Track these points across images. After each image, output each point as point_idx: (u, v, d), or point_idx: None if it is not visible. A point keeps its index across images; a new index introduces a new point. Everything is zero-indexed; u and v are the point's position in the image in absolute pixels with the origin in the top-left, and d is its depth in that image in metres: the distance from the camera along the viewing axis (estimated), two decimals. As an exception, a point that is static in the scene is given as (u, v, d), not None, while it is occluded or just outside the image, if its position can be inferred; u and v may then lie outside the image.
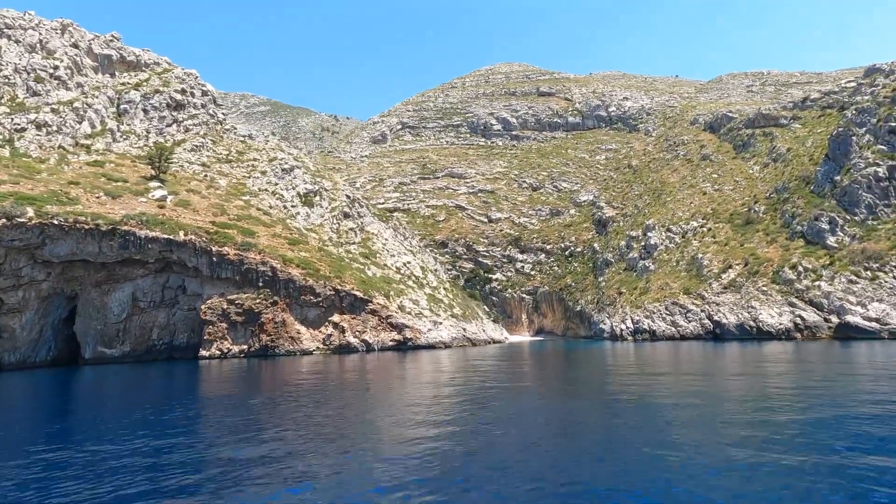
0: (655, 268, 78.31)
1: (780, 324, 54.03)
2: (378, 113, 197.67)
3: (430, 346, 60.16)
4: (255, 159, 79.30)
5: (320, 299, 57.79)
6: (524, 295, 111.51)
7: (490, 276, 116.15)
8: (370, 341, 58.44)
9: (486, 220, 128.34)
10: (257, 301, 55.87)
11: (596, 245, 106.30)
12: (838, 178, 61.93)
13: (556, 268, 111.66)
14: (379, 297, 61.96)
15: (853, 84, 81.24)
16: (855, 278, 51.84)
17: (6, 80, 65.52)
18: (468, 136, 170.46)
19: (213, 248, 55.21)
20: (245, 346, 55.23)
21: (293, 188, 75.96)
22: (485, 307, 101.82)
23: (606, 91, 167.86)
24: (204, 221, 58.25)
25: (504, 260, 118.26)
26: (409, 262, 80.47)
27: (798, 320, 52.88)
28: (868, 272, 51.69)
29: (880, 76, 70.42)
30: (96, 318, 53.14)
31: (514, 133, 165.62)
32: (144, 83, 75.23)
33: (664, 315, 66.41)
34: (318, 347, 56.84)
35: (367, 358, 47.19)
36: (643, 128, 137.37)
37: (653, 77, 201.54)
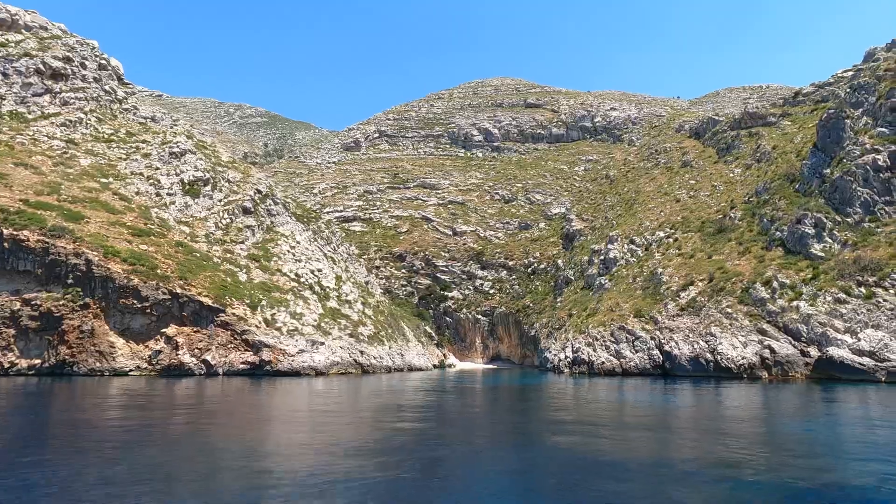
0: (611, 285, 63.91)
1: (743, 357, 39.28)
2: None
3: (295, 373, 46.34)
4: (145, 141, 67.35)
5: (148, 305, 44.55)
6: (479, 316, 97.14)
7: (446, 293, 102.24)
8: (213, 363, 44.83)
9: (450, 232, 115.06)
10: (61, 303, 42.79)
11: (560, 261, 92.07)
12: (828, 171, 47.63)
13: (516, 286, 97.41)
14: (237, 307, 48.58)
15: (851, 72, 67.16)
16: (844, 296, 37.20)
17: None
18: (448, 146, 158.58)
19: (6, 231, 42.60)
20: (38, 361, 42.07)
21: (177, 174, 63.53)
22: (426, 329, 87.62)
23: (595, 103, 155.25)
24: (11, 199, 45.80)
25: (463, 276, 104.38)
26: (318, 270, 67.14)
27: (766, 353, 38.12)
28: (862, 288, 37.05)
29: (880, 50, 56.29)
30: None
31: (495, 144, 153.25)
32: (13, 44, 64.07)
33: (608, 343, 51.84)
34: (137, 367, 43.36)
35: (186, 387, 33.56)
36: (627, 138, 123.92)
37: (652, 96, 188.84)
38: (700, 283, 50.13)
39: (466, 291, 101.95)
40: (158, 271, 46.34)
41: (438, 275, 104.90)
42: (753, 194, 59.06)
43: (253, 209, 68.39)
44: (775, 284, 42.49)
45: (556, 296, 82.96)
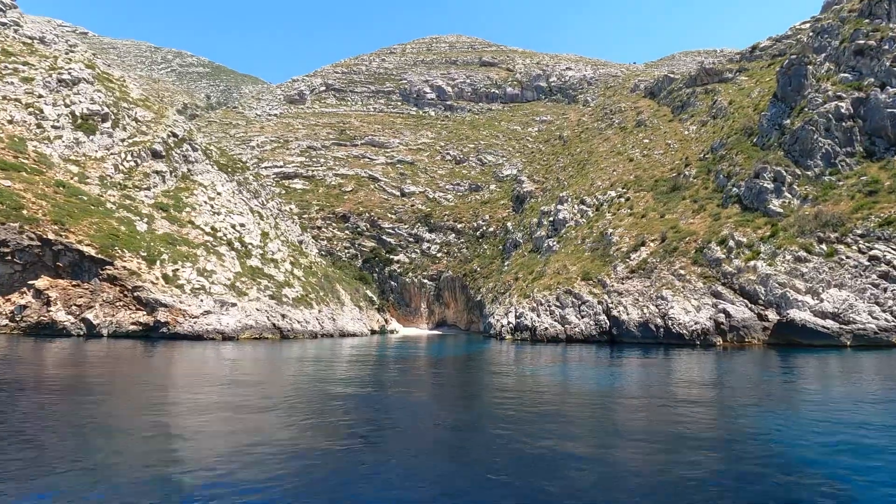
0: (560, 247, 59.68)
1: (696, 323, 35.58)
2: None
3: (197, 337, 39.93)
4: (27, 64, 57.21)
5: (8, 251, 36.88)
6: (426, 280, 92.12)
7: (392, 256, 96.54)
8: (96, 322, 37.86)
9: (398, 193, 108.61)
10: None
11: (509, 224, 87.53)
12: (788, 121, 43.99)
13: (464, 250, 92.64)
14: (130, 260, 41.36)
15: (808, 24, 63.87)
16: (805, 255, 33.75)
17: None
18: (399, 104, 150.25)
19: None
20: None
21: (67, 105, 54.30)
22: (367, 293, 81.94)
23: (551, 63, 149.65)
24: None
25: (410, 239, 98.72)
26: (241, 225, 59.93)
27: (721, 317, 34.49)
28: (823, 245, 33.66)
29: None
30: None
31: (448, 103, 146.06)
32: None
33: (553, 307, 47.62)
34: (-4, 329, 36.03)
35: (60, 348, 26.62)
36: (582, 98, 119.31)
37: (607, 61, 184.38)
38: (652, 244, 46.26)
39: (413, 255, 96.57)
40: (25, 212, 38.46)
41: (384, 237, 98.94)
42: (709, 151, 55.41)
43: (165, 153, 60.04)
44: (731, 243, 38.83)
45: (504, 260, 78.66)
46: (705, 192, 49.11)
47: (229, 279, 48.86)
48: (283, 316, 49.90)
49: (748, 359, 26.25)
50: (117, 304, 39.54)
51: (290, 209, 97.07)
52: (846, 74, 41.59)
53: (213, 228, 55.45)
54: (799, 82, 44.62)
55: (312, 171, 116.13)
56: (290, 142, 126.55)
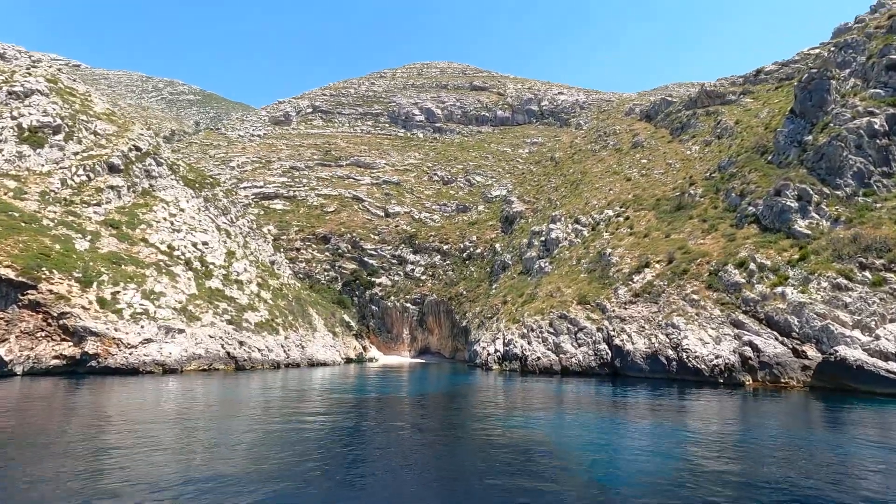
0: (553, 269, 54.34)
1: (717, 356, 30.04)
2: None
3: (133, 370, 33.60)
4: (-26, 73, 51.68)
5: None
6: (408, 304, 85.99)
7: (374, 279, 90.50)
8: (8, 358, 31.28)
9: (382, 213, 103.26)
10: None
11: (497, 245, 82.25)
12: (809, 137, 39.46)
13: (450, 272, 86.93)
14: (59, 283, 35.09)
15: (818, 49, 60.57)
16: (845, 282, 28.58)
17: None
18: (387, 125, 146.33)
19: None
20: None
21: (14, 118, 48.62)
22: (345, 317, 75.67)
23: (542, 88, 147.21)
24: None
25: (393, 261, 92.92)
26: (204, 244, 54.00)
27: (748, 351, 29.00)
28: (867, 272, 28.56)
29: (866, 15, 49.29)
30: None
31: (437, 125, 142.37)
32: None
33: (546, 334, 41.89)
34: None
35: None
36: (575, 122, 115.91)
37: (598, 90, 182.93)
38: (657, 265, 40.99)
39: (396, 277, 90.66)
40: (-72, 225, 32.34)
41: (366, 259, 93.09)
42: (716, 170, 50.81)
43: (124, 167, 54.23)
44: (752, 266, 33.65)
45: (492, 282, 73.10)
46: (715, 211, 44.22)
47: (180, 302, 42.66)
48: (241, 343, 43.60)
49: (805, 410, 20.67)
50: (38, 334, 33.14)
51: (269, 230, 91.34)
52: (878, 90, 37.33)
53: (169, 247, 49.47)
54: (821, 97, 40.30)
55: (294, 191, 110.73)
56: (273, 162, 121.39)
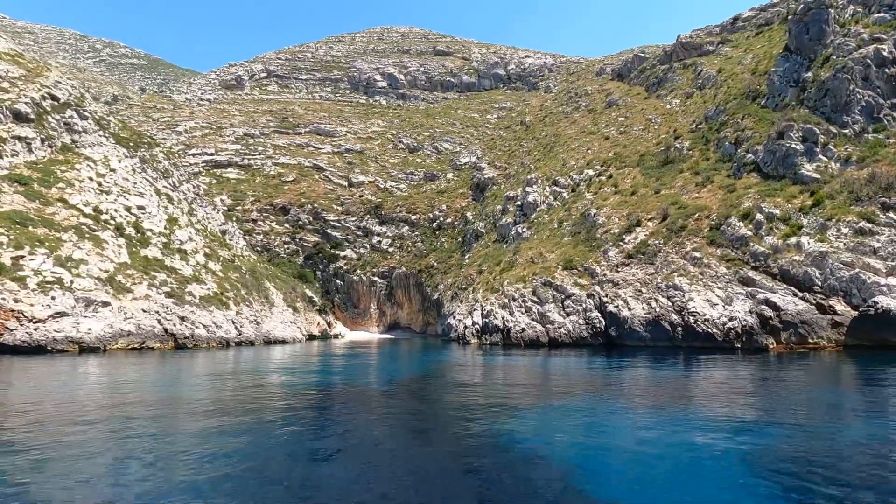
0: (531, 234, 50.19)
1: (731, 318, 26.42)
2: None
3: (38, 348, 27.82)
4: None
5: None
6: (376, 278, 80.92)
7: (338, 252, 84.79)
8: None
9: (345, 183, 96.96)
10: None
11: (469, 214, 77.67)
12: (809, 74, 35.91)
13: (419, 243, 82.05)
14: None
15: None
16: (869, 226, 25.23)
17: None
18: (347, 92, 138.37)
19: None
20: None
21: None
22: (307, 292, 70.15)
23: (509, 52, 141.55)
24: None
25: (359, 233, 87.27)
26: (140, 208, 47.44)
27: (766, 311, 25.46)
28: (891, 213, 25.29)
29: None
30: None
31: (400, 92, 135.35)
32: None
33: (529, 303, 37.78)
34: None
35: None
36: (544, 85, 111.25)
37: (564, 55, 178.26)
38: (650, 223, 37.19)
39: (362, 250, 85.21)
40: None
41: (329, 231, 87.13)
42: (702, 121, 47.19)
43: (35, 117, 46.76)
44: (759, 217, 30.06)
45: (464, 252, 68.68)
46: (707, 163, 40.58)
47: (107, 271, 36.50)
48: (183, 319, 37.90)
49: (861, 373, 16.99)
50: (-86, 306, 26.84)
51: (221, 200, 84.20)
52: (883, 14, 33.87)
53: (96, 209, 42.86)
54: (819, 28, 36.68)
55: (249, 159, 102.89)
56: (224, 128, 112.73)
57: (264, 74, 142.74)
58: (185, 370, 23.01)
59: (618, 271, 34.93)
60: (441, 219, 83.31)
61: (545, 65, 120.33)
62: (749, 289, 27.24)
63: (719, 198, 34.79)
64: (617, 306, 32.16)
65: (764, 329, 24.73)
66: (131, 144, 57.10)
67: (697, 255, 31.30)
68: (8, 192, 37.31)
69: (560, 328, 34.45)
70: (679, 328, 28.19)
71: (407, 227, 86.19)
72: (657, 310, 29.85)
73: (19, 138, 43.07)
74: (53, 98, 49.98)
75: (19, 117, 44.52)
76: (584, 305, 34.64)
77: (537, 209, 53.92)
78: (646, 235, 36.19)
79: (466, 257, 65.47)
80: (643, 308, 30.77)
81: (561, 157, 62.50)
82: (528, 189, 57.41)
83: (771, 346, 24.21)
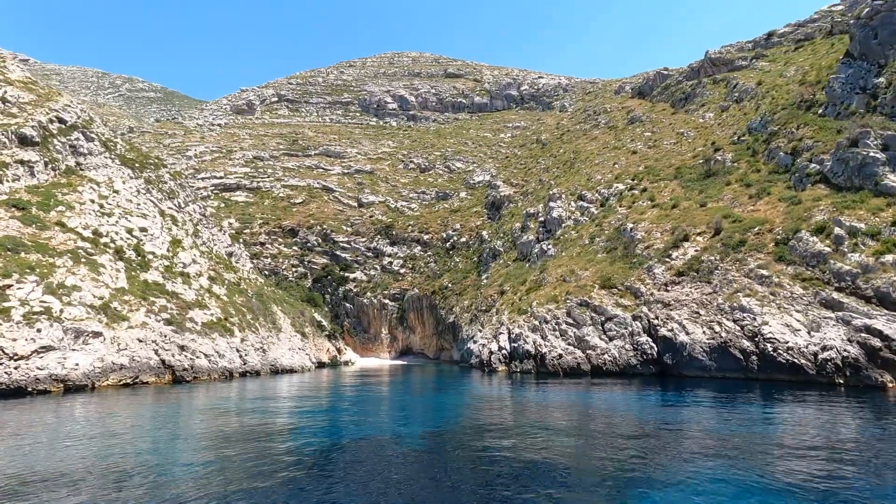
0: (558, 251, 46.26)
1: (824, 347, 22.21)
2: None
3: (18, 390, 23.94)
4: None
5: None
6: (387, 301, 76.93)
7: (347, 274, 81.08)
8: None
9: (355, 204, 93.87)
10: None
11: (485, 233, 73.96)
12: (881, 80, 32.38)
13: (432, 264, 78.21)
14: None
15: (840, 6, 54.27)
16: None
17: None
18: (358, 115, 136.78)
19: None
20: None
21: None
22: (316, 316, 66.17)
23: (521, 74, 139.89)
24: None
25: (369, 254, 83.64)
26: (142, 230, 44.07)
27: (871, 340, 21.26)
28: None
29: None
30: None
31: (411, 113, 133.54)
32: None
33: (564, 325, 33.65)
34: None
35: None
36: (559, 104, 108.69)
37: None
38: (699, 238, 33.22)
39: (372, 272, 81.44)
40: None
41: (338, 252, 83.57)
42: (745, 132, 43.57)
43: (40, 140, 43.94)
44: (839, 231, 26.07)
45: (481, 273, 64.72)
46: (757, 174, 36.76)
47: (101, 298, 32.78)
48: (183, 348, 33.95)
49: None
50: None
51: (229, 223, 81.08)
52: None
53: (95, 232, 39.44)
54: (891, 32, 33.24)
55: (258, 182, 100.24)
56: (234, 152, 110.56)
57: (275, 99, 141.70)
58: (171, 419, 19.05)
59: (667, 290, 30.83)
60: (455, 238, 79.61)
61: (560, 85, 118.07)
62: (838, 313, 23.08)
63: (781, 210, 30.84)
64: (671, 330, 27.98)
65: (873, 362, 20.49)
66: (137, 165, 54.12)
67: (765, 272, 27.21)
68: (3, 217, 33.98)
69: (603, 354, 30.22)
70: (753, 356, 23.95)
71: (419, 248, 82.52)
72: (722, 335, 25.66)
73: (22, 162, 40.07)
74: (61, 121, 47.35)
75: (24, 141, 41.65)
76: (630, 329, 30.47)
77: (563, 225, 50.11)
78: (696, 251, 32.17)
79: (484, 277, 61.47)
80: (704, 332, 26.58)
81: (584, 173, 58.93)
82: (551, 204, 53.70)
83: (890, 384, 19.89)
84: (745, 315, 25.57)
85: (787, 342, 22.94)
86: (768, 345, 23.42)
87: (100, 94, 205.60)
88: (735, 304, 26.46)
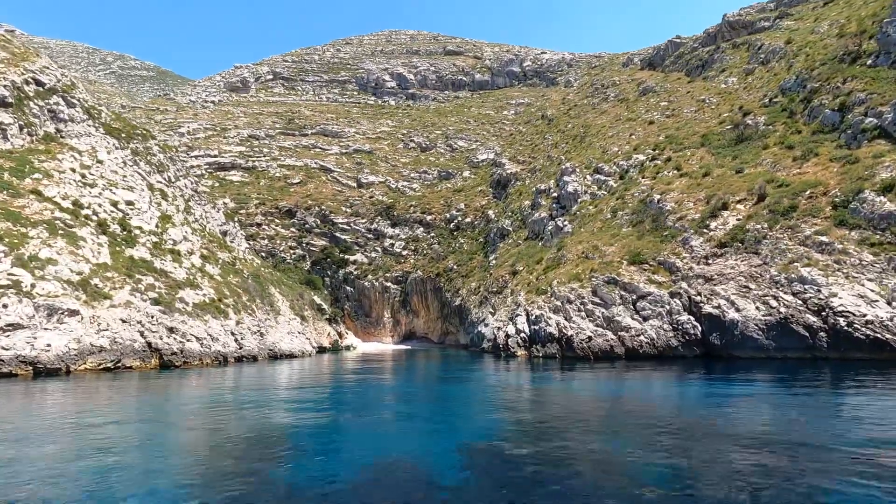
0: (576, 227, 42.97)
1: (903, 319, 19.20)
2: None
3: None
4: None
5: None
6: (389, 284, 73.73)
7: (347, 257, 77.75)
8: None
9: (354, 184, 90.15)
10: None
11: (491, 212, 70.58)
12: (944, 24, 28.94)
13: (436, 245, 74.91)
14: None
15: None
16: None
17: None
18: (355, 93, 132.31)
19: None
20: None
21: None
22: (315, 299, 63.03)
23: (523, 50, 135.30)
24: None
25: (369, 236, 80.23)
26: (128, 203, 40.63)
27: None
28: None
29: None
30: None
31: (410, 92, 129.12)
32: None
33: (591, 306, 30.49)
34: None
35: None
36: (564, 80, 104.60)
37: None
38: (741, 206, 29.94)
39: (373, 254, 78.07)
40: None
41: (338, 234, 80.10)
42: (777, 93, 40.08)
43: (14, 102, 40.30)
44: (911, 189, 22.87)
45: (489, 253, 61.46)
46: (798, 136, 33.39)
47: (80, 273, 29.47)
48: (172, 330, 30.70)
49: None
50: None
51: (224, 203, 77.43)
52: None
53: (76, 203, 36.04)
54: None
55: (253, 161, 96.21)
56: (229, 130, 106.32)
57: (270, 77, 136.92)
58: (158, 408, 15.84)
59: (708, 263, 27.62)
60: (459, 218, 76.19)
61: (563, 60, 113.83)
62: (922, 280, 19.94)
63: (835, 171, 27.53)
64: (718, 306, 24.83)
65: (979, 334, 17.44)
66: (123, 136, 50.37)
67: (824, 239, 24.01)
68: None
69: (639, 335, 27.09)
70: (822, 333, 20.84)
71: (422, 229, 79.13)
72: (781, 310, 22.51)
73: (-13, 120, 36.38)
74: (38, 83, 43.53)
75: (4, 105, 37.92)
76: (667, 307, 27.31)
77: (579, 200, 46.75)
78: (738, 220, 28.91)
79: (492, 258, 58.23)
80: (758, 308, 23.43)
81: (598, 146, 55.42)
82: (565, 179, 50.27)
83: None
84: (806, 287, 22.41)
85: (865, 315, 19.82)
86: (840, 319, 20.30)
87: (90, 70, 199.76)
88: (793, 276, 23.27)
